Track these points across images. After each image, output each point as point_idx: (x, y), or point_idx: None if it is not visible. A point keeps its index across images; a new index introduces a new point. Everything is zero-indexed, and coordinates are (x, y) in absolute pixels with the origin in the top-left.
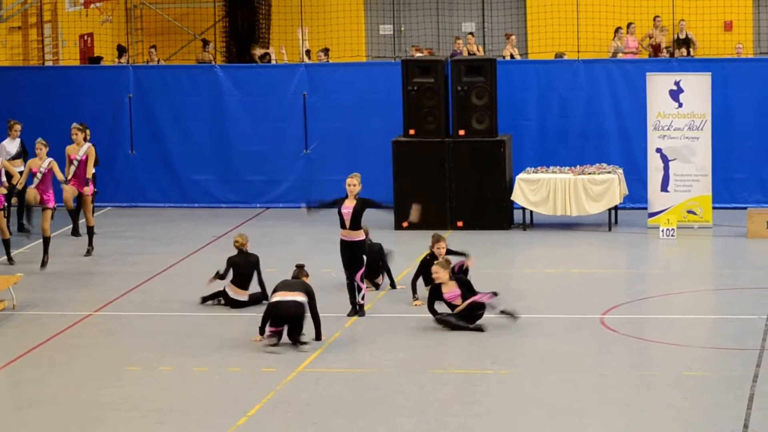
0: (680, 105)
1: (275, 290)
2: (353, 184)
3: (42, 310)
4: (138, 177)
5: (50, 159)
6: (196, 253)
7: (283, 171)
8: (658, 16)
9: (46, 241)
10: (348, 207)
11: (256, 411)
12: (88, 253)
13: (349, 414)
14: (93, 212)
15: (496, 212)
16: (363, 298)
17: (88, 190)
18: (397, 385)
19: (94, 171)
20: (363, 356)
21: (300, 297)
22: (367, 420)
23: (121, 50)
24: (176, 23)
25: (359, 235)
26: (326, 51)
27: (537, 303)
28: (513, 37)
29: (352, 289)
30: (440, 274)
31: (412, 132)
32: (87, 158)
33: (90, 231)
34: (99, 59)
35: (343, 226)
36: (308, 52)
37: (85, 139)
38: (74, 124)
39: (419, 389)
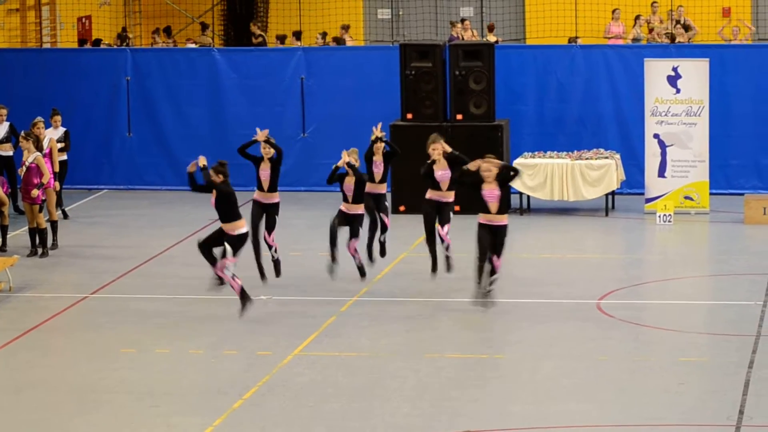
0: (678, 91)
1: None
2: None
3: (38, 292)
4: (135, 160)
5: (37, 153)
6: (193, 236)
7: None
8: (655, 2)
9: (42, 232)
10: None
11: (252, 394)
12: (53, 247)
13: (344, 398)
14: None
15: None
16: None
17: (57, 185)
18: (394, 369)
19: (65, 157)
20: (359, 340)
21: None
22: (363, 404)
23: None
24: (174, 6)
25: (359, 209)
26: (324, 35)
27: (533, 288)
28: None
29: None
30: (491, 172)
31: (409, 116)
32: (50, 151)
33: (53, 226)
34: (98, 42)
35: (346, 200)
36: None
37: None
38: (22, 133)
39: (415, 374)
